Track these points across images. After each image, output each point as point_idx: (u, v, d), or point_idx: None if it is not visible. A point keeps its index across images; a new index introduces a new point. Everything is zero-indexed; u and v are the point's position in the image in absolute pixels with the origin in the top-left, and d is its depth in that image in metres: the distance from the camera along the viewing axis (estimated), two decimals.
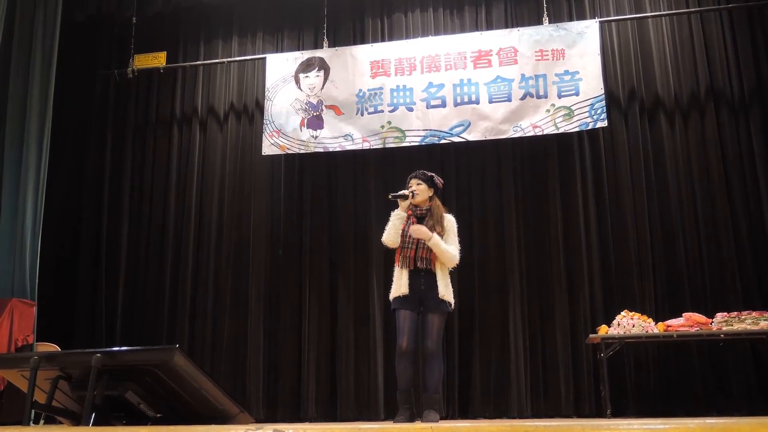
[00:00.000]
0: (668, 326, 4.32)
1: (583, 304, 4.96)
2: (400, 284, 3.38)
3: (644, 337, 4.30)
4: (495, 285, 5.14)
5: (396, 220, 3.45)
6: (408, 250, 3.40)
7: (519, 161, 5.33)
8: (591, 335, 4.48)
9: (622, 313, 4.43)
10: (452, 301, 3.41)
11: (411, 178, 3.56)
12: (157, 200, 5.78)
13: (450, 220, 3.51)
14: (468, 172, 5.41)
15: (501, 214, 5.25)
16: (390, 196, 3.42)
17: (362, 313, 5.17)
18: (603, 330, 4.41)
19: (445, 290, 3.35)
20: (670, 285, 4.88)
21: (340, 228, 5.44)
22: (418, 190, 3.50)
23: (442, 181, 3.61)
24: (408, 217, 3.45)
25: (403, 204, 3.46)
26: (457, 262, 3.44)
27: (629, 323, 4.32)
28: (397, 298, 3.41)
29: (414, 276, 3.37)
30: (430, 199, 3.54)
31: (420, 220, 3.48)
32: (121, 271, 5.62)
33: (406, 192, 3.47)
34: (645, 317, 4.37)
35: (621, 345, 4.39)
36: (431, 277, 3.37)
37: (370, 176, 5.46)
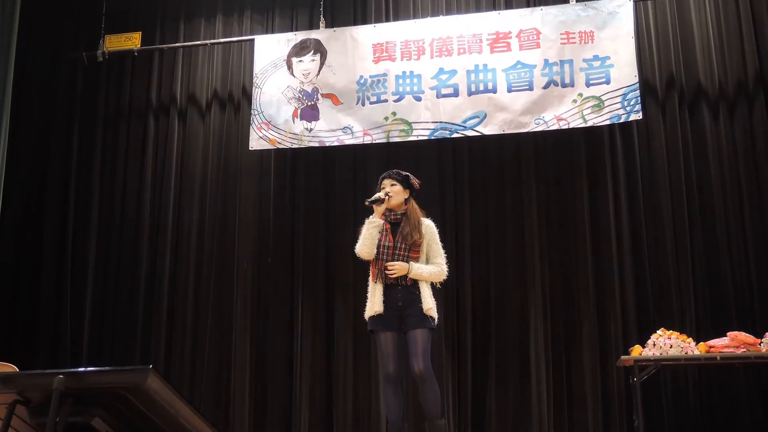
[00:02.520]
0: (711, 347, 4.31)
1: (613, 322, 4.94)
2: (374, 301, 3.45)
3: (683, 359, 4.29)
4: (513, 299, 5.14)
5: (372, 228, 3.52)
6: (383, 263, 3.47)
7: (542, 159, 5.32)
8: (623, 357, 4.46)
9: (659, 332, 4.42)
10: (436, 316, 3.46)
11: (383, 179, 3.64)
12: (130, 201, 5.80)
13: (429, 226, 3.59)
14: (483, 170, 5.42)
15: (521, 219, 5.25)
16: (366, 203, 3.51)
17: (362, 331, 5.02)
18: (636, 351, 4.40)
19: (429, 302, 3.43)
20: (713, 300, 4.86)
21: (337, 234, 5.44)
22: (393, 191, 3.57)
23: (419, 182, 3.67)
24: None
25: (379, 209, 3.54)
26: (446, 275, 3.53)
27: (666, 343, 4.32)
28: (372, 318, 3.49)
29: (390, 291, 3.45)
30: (406, 201, 3.60)
31: (395, 226, 3.55)
32: (88, 282, 5.62)
33: (381, 195, 3.54)
34: (684, 337, 4.36)
35: (657, 368, 4.37)
36: (410, 290, 3.45)
37: (372, 175, 5.33)
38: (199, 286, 5.58)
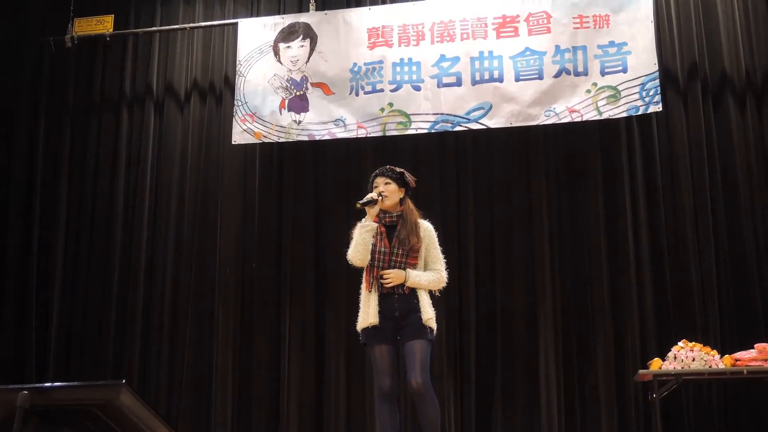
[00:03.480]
0: (737, 360, 4.32)
1: (631, 332, 4.96)
2: (368, 312, 3.45)
3: (707, 373, 4.30)
4: (521, 308, 5.16)
5: (365, 233, 3.50)
6: (378, 270, 3.46)
7: (552, 154, 5.35)
8: (641, 371, 4.49)
9: (680, 344, 4.43)
10: (435, 326, 3.47)
11: (376, 177, 3.62)
12: (102, 201, 5.81)
13: (427, 229, 3.59)
14: (489, 167, 5.43)
15: (529, 220, 5.26)
16: (358, 205, 3.48)
17: (355, 343, 4.78)
18: (656, 364, 4.41)
19: (428, 312, 3.44)
20: (739, 309, 4.87)
21: (328, 237, 5.46)
22: (387, 191, 3.55)
23: (415, 179, 3.66)
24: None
25: (372, 211, 3.52)
26: (446, 283, 3.55)
27: (688, 356, 4.32)
28: (366, 330, 3.48)
29: (385, 300, 3.44)
30: (401, 201, 3.59)
31: (390, 229, 3.54)
32: (55, 289, 5.63)
33: (374, 195, 3.52)
34: (708, 349, 4.37)
35: (678, 383, 4.36)
36: (408, 299, 3.45)
37: (366, 172, 4.88)
38: (176, 294, 5.58)
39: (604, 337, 4.98)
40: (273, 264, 5.51)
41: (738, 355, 4.35)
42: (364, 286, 3.56)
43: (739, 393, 4.75)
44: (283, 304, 5.42)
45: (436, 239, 3.63)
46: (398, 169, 3.65)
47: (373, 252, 3.49)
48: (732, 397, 4.77)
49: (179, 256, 5.63)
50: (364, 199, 3.52)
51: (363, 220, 3.56)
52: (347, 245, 3.66)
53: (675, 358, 4.35)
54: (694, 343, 4.43)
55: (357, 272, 3.85)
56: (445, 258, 3.66)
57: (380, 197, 3.52)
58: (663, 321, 4.97)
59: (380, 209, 3.55)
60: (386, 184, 3.58)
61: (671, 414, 4.70)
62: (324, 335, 5.33)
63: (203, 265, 5.58)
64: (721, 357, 4.34)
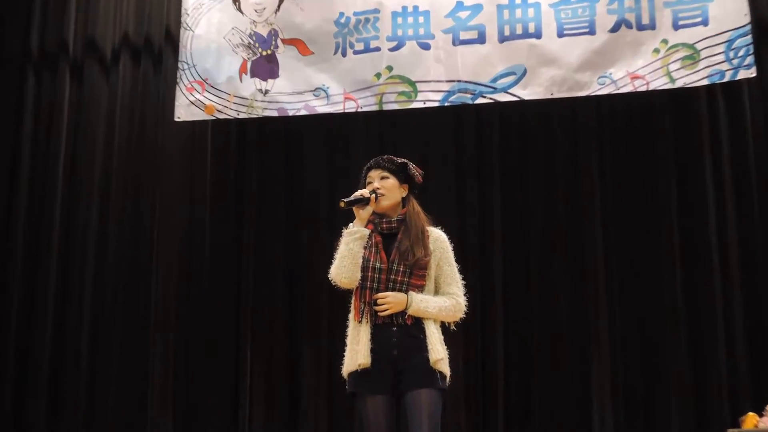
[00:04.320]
0: None
1: (715, 375, 4.94)
2: (356, 351, 3.42)
3: None
4: (567, 343, 5.16)
5: (353, 242, 3.46)
6: (371, 293, 3.44)
7: (608, 134, 5.33)
8: (730, 430, 4.45)
9: None
10: (448, 371, 3.43)
11: (369, 169, 3.60)
12: None
13: (439, 239, 3.56)
14: (523, 151, 5.41)
15: (578, 223, 5.26)
16: (342, 204, 3.41)
17: (341, 393, 4.72)
18: (750, 422, 4.37)
19: (438, 351, 3.40)
20: None
21: (305, 247, 5.47)
22: (385, 187, 3.53)
23: (422, 172, 3.62)
24: (369, 236, 3.50)
25: (362, 213, 3.48)
26: (464, 312, 3.51)
27: None
28: (354, 375, 3.44)
29: (381, 334, 3.41)
30: (404, 202, 3.58)
31: (388, 238, 3.52)
32: None
33: (365, 193, 3.47)
34: None
35: None
36: (411, 333, 3.41)
37: (358, 160, 4.87)
38: (97, 320, 5.56)
39: (679, 382, 4.96)
40: (229, 282, 5.52)
41: None
42: (352, 314, 3.50)
43: None
44: (241, 337, 5.43)
45: (451, 253, 3.55)
46: (399, 160, 3.59)
47: (365, 269, 3.44)
48: None
49: (101, 269, 5.63)
50: (351, 197, 3.43)
51: (350, 225, 3.47)
52: (330, 258, 3.53)
53: None
54: None
55: (343, 296, 3.78)
56: (463, 279, 3.57)
57: (373, 195, 3.46)
58: (758, 360, 4.92)
59: (375, 212, 3.50)
60: (383, 178, 3.53)
61: None
62: (298, 382, 5.32)
63: (134, 281, 5.60)
64: None
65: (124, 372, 5.47)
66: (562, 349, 5.15)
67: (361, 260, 3.44)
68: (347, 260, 3.43)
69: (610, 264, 5.18)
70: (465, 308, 3.52)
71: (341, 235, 3.52)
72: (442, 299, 3.47)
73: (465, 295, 3.53)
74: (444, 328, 3.51)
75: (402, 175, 3.56)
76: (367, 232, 3.47)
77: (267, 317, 5.43)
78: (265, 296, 5.47)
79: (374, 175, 3.54)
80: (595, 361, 5.04)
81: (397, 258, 3.45)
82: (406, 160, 3.58)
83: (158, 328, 5.47)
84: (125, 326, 5.54)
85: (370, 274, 3.43)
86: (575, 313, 5.18)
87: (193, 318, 5.51)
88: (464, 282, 3.56)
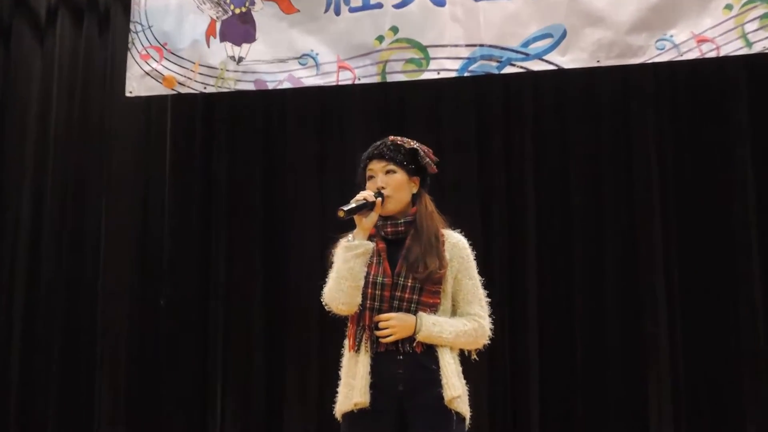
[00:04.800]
0: None
1: None
2: (352, 386, 3.36)
3: None
4: (617, 369, 5.13)
5: (353, 260, 3.38)
6: (372, 315, 3.37)
7: (668, 112, 5.30)
8: None
9: None
10: (468, 412, 3.36)
11: (370, 159, 3.54)
12: None
13: (457, 245, 3.50)
14: (562, 134, 5.39)
15: (632, 220, 5.24)
16: (341, 213, 3.30)
17: (329, 422, 4.90)
18: None
19: (455, 387, 3.32)
20: None
21: (286, 248, 5.56)
22: (391, 185, 3.44)
23: (437, 160, 3.54)
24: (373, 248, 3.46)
25: (365, 222, 3.42)
26: (489, 337, 3.46)
27: None
28: (349, 417, 3.37)
29: (383, 365, 3.36)
30: (414, 200, 3.49)
31: (394, 245, 3.45)
32: None
33: (368, 196, 3.38)
34: None
35: None
36: (420, 363, 3.35)
37: (353, 144, 5.34)
38: (31, 342, 5.68)
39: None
40: (195, 297, 5.58)
41: None
42: (348, 342, 3.41)
43: None
44: (211, 366, 5.49)
45: (473, 263, 3.45)
46: (409, 145, 3.46)
47: (364, 285, 3.35)
48: None
49: (35, 276, 5.74)
50: (352, 203, 3.30)
51: (349, 235, 3.36)
52: (321, 269, 3.47)
53: None
54: None
55: (336, 319, 3.69)
56: (488, 295, 3.46)
57: (378, 198, 3.34)
58: None
59: (380, 216, 3.43)
60: (388, 172, 3.41)
61: None
62: (280, 421, 5.40)
63: (76, 297, 5.66)
64: None
65: (68, 388, 5.58)
66: (613, 382, 5.12)
67: (362, 282, 3.36)
68: (346, 282, 3.35)
69: (670, 271, 5.13)
70: (490, 332, 3.44)
71: (333, 244, 3.45)
72: (460, 321, 3.39)
73: (490, 316, 3.45)
74: (463, 357, 3.43)
75: (412, 165, 3.46)
76: (371, 246, 3.39)
77: (241, 343, 5.49)
78: (239, 317, 5.51)
79: (376, 167, 3.45)
80: (653, 398, 5.02)
81: (404, 270, 3.35)
82: (416, 145, 3.47)
83: (108, 348, 5.57)
84: (69, 342, 5.62)
85: (370, 291, 3.35)
86: (628, 337, 5.15)
87: (150, 337, 5.58)
88: (489, 300, 3.46)
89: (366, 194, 3.34)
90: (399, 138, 3.49)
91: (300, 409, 5.35)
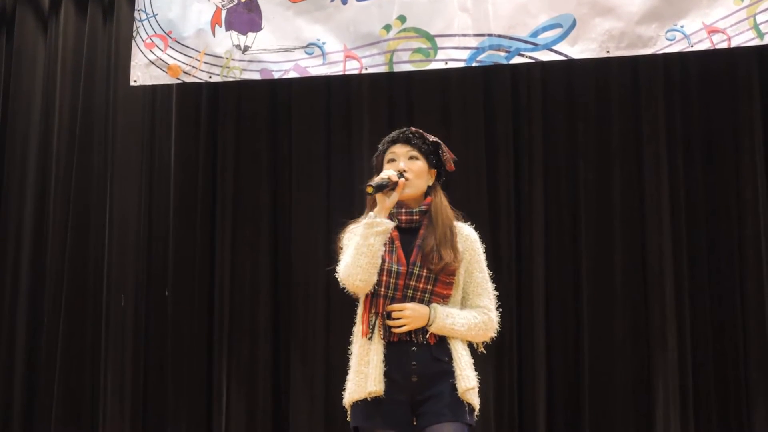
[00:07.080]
0: None
1: None
2: (366, 374, 3.39)
3: None
4: (625, 363, 5.16)
5: (373, 237, 3.40)
6: (385, 303, 3.41)
7: (678, 104, 5.31)
8: None
9: None
10: (477, 402, 3.40)
11: (393, 143, 3.60)
12: None
13: (469, 238, 3.56)
14: (571, 125, 5.41)
15: (641, 213, 5.25)
16: (369, 188, 3.36)
17: (339, 427, 4.97)
18: None
19: (469, 378, 3.38)
20: None
21: (294, 244, 5.54)
22: (413, 170, 3.49)
23: (455, 158, 3.59)
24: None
25: (387, 201, 3.46)
26: (497, 330, 3.49)
27: None
28: (360, 406, 3.39)
29: (396, 355, 3.39)
30: (429, 191, 3.56)
31: (408, 235, 3.51)
32: None
33: (392, 176, 3.42)
34: None
35: None
36: (434, 354, 3.40)
37: (360, 134, 5.46)
38: (35, 335, 5.71)
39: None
40: (201, 289, 5.59)
41: None
42: (358, 328, 3.46)
43: None
44: (216, 357, 5.50)
45: (483, 257, 3.51)
46: (431, 138, 3.52)
47: (378, 272, 3.39)
48: None
49: (38, 275, 5.77)
50: (377, 180, 3.36)
51: (370, 213, 3.38)
52: (326, 258, 3.77)
53: None
54: None
55: (346, 305, 3.76)
56: (495, 288, 3.51)
57: (401, 178, 3.38)
58: None
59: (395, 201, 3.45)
60: (411, 158, 3.48)
61: None
62: (285, 411, 5.42)
63: (80, 288, 5.69)
64: None
65: (68, 381, 5.61)
66: (621, 375, 5.15)
67: (380, 261, 3.38)
68: (365, 258, 3.37)
69: (679, 263, 5.15)
70: (497, 325, 3.48)
71: (342, 229, 3.52)
72: (471, 314, 3.45)
73: (497, 308, 3.49)
74: (472, 349, 3.49)
75: (433, 156, 3.53)
76: (392, 225, 3.42)
77: (247, 331, 5.50)
78: (245, 305, 5.52)
79: (400, 151, 3.51)
80: (660, 390, 5.04)
81: (419, 260, 3.42)
82: (438, 140, 3.54)
83: (112, 339, 5.57)
84: (71, 333, 5.64)
85: (384, 278, 3.40)
86: (636, 329, 5.17)
87: (156, 328, 5.61)
88: (497, 292, 3.51)
89: (390, 174, 3.39)
90: (419, 130, 3.55)
91: (306, 406, 5.36)
